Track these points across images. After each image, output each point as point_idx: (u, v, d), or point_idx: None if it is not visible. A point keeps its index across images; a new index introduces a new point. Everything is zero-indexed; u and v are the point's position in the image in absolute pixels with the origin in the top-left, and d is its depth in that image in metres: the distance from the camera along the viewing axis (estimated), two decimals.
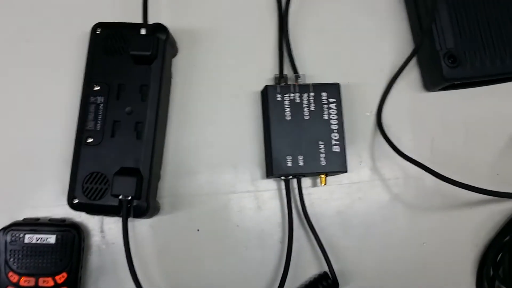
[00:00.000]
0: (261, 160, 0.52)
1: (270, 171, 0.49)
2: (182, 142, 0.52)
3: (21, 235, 0.45)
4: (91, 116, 0.47)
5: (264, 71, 0.54)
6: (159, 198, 0.50)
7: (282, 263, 0.49)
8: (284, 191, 0.51)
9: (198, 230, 0.50)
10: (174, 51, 0.53)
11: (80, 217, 0.49)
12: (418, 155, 0.50)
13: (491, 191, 0.45)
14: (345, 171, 0.49)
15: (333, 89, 0.50)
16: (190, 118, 0.52)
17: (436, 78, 0.51)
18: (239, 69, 0.54)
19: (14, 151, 0.51)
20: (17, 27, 0.54)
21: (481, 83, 0.53)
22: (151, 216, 0.49)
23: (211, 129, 0.52)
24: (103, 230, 0.50)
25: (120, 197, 0.44)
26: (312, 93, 0.50)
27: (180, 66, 0.53)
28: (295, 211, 0.51)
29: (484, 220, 0.52)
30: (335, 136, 0.49)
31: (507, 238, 0.51)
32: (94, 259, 0.49)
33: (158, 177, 0.50)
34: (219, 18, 0.55)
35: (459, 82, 0.51)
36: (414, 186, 0.52)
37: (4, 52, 0.53)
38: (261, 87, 0.52)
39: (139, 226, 0.50)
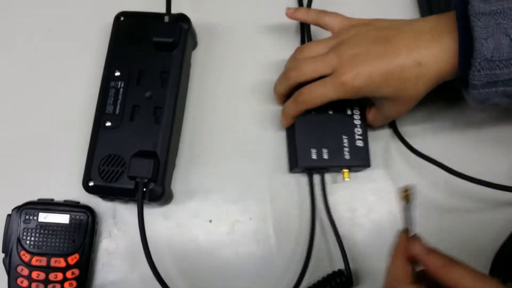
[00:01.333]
0: (279, 154, 0.53)
1: (295, 163, 0.50)
2: (198, 134, 0.53)
3: (35, 214, 0.45)
4: (110, 100, 0.48)
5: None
6: (173, 186, 0.51)
7: (297, 258, 0.50)
8: (302, 187, 0.52)
9: (210, 221, 0.51)
10: (194, 43, 0.55)
11: (94, 203, 0.50)
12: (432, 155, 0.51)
13: (505, 186, 0.47)
14: (368, 166, 0.50)
15: None
16: (206, 110, 0.54)
17: None
18: (257, 64, 0.55)
19: (32, 134, 0.52)
20: (40, 17, 0.56)
21: None
22: (165, 202, 0.50)
23: (227, 122, 0.53)
24: (115, 216, 0.50)
25: (137, 179, 0.45)
26: None
27: (199, 59, 0.55)
28: (310, 206, 0.51)
29: (500, 221, 0.52)
30: (358, 131, 0.50)
31: None
32: (105, 244, 0.49)
33: (173, 165, 0.51)
34: (239, 14, 0.57)
35: None
36: (429, 185, 0.53)
37: (28, 40, 0.55)
38: (271, 77, 0.53)
39: (151, 215, 0.50)
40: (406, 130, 0.53)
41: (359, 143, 0.50)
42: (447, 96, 0.55)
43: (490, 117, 0.54)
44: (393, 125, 0.53)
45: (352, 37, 0.45)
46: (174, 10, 0.52)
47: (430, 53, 0.42)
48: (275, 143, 0.53)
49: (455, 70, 0.42)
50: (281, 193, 0.52)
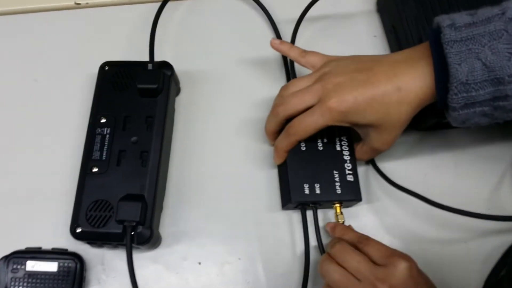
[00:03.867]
0: (268, 192, 0.54)
1: (288, 199, 0.51)
2: (184, 175, 0.55)
3: (23, 262, 0.46)
4: (97, 146, 0.50)
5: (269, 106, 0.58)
6: (161, 229, 0.52)
7: None
8: (292, 225, 0.53)
9: (199, 263, 0.51)
10: (178, 89, 0.57)
11: (82, 250, 0.50)
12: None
13: (485, 215, 0.49)
14: (360, 200, 0.51)
15: None
16: (192, 153, 0.56)
17: None
18: (242, 104, 0.58)
19: (18, 182, 0.53)
20: (26, 68, 0.59)
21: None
22: (153, 246, 0.50)
23: (214, 163, 0.55)
24: (104, 262, 0.51)
25: (125, 223, 0.46)
26: None
27: (182, 104, 0.57)
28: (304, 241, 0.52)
29: (485, 250, 0.54)
30: (348, 166, 0.52)
31: (503, 272, 0.53)
32: None
33: (160, 207, 0.52)
34: (220, 58, 0.60)
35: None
36: (411, 218, 0.55)
37: (14, 91, 0.58)
38: (259, 115, 0.56)
39: (140, 260, 0.51)
40: (386, 166, 0.56)
41: (350, 178, 0.51)
42: (423, 131, 0.58)
43: (466, 145, 0.57)
44: (371, 161, 0.56)
45: (334, 68, 0.48)
46: (157, 58, 0.55)
47: (408, 78, 0.44)
48: (263, 182, 0.55)
49: (434, 94, 0.44)
50: (271, 231, 0.53)
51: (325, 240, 0.52)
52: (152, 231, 0.47)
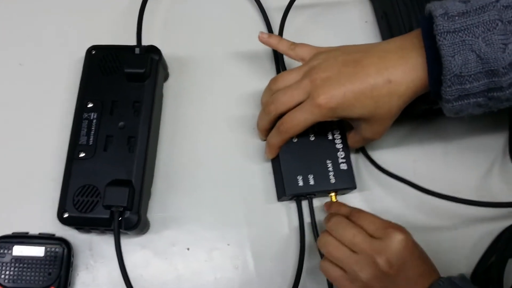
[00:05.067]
0: (260, 183, 0.55)
1: (282, 192, 0.52)
2: (173, 162, 0.55)
3: (10, 247, 0.47)
4: (84, 131, 0.50)
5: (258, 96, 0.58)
6: (149, 215, 0.52)
7: (278, 280, 0.52)
8: (289, 213, 0.54)
9: (188, 249, 0.52)
10: (166, 74, 0.57)
11: (70, 235, 0.51)
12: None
13: (475, 201, 0.49)
14: (355, 187, 0.52)
15: None
16: (181, 139, 0.56)
17: None
18: (231, 93, 0.58)
19: (5, 167, 0.54)
20: (12, 52, 0.59)
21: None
22: (141, 231, 0.51)
23: (202, 150, 0.56)
24: (92, 248, 0.51)
25: (112, 208, 0.47)
26: None
27: (171, 89, 0.58)
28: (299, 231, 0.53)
29: (474, 237, 0.55)
30: (341, 155, 0.52)
31: (492, 259, 0.54)
32: (82, 276, 0.50)
33: (149, 194, 0.52)
34: (210, 44, 0.60)
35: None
36: (401, 204, 0.55)
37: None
38: (254, 112, 0.56)
39: (128, 245, 0.51)
40: (376, 154, 0.56)
41: (343, 166, 0.52)
42: (413, 119, 0.58)
43: (456, 133, 0.58)
44: (362, 149, 0.56)
45: (322, 62, 0.48)
46: (144, 43, 0.55)
47: (399, 71, 0.44)
48: (257, 173, 0.56)
49: (425, 85, 0.44)
50: (262, 220, 0.54)
51: (320, 230, 0.52)
52: (140, 216, 0.48)
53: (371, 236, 0.45)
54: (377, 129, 0.48)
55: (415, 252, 0.45)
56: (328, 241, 0.46)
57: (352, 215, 0.48)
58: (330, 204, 0.52)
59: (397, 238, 0.44)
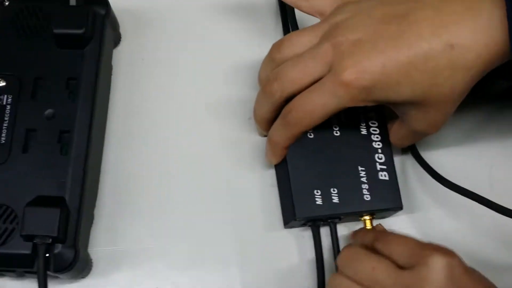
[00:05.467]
0: (258, 202, 0.55)
1: (291, 214, 0.52)
2: (128, 170, 0.55)
3: None
4: None
5: (244, 67, 0.58)
6: (91, 250, 0.52)
7: None
8: (299, 244, 0.54)
9: None
10: (116, 37, 0.57)
11: None
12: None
13: None
14: (400, 208, 0.52)
15: None
16: (139, 136, 0.56)
17: None
18: (216, 66, 0.58)
19: None
20: None
21: None
22: (79, 274, 0.51)
23: (171, 152, 0.56)
24: None
25: (35, 239, 0.46)
26: None
27: (124, 61, 0.58)
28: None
29: None
30: (381, 158, 0.52)
31: None
32: None
33: (90, 218, 0.52)
34: None
35: None
36: (472, 231, 0.55)
37: None
38: (249, 93, 0.56)
39: None
40: (433, 156, 0.56)
41: (383, 175, 0.52)
42: (488, 103, 0.58)
43: None
44: (412, 148, 0.56)
45: (350, 18, 0.47)
46: None
47: (466, 30, 0.44)
48: (253, 186, 0.56)
49: (505, 52, 0.44)
50: (262, 256, 0.54)
51: None
52: (77, 251, 0.47)
53: (401, 266, 0.45)
54: (433, 117, 0.48)
55: (466, 282, 0.44)
56: (339, 284, 0.47)
57: (376, 239, 0.48)
58: (354, 234, 0.52)
59: (437, 265, 0.43)
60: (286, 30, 0.59)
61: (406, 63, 0.44)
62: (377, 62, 0.44)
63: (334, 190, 0.51)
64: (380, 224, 0.53)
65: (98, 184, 0.54)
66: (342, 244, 0.53)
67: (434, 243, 0.45)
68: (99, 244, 0.53)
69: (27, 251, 0.47)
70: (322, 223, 0.53)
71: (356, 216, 0.52)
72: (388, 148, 0.53)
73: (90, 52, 0.52)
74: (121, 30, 0.58)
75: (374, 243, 0.48)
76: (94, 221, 0.53)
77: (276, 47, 0.50)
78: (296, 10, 0.58)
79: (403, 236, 0.47)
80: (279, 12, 0.60)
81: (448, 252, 0.44)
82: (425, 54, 0.44)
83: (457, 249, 0.47)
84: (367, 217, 0.52)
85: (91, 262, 0.52)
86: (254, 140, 0.56)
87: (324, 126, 0.50)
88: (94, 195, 0.53)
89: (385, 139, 0.53)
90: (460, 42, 0.43)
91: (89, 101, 0.51)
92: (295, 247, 0.54)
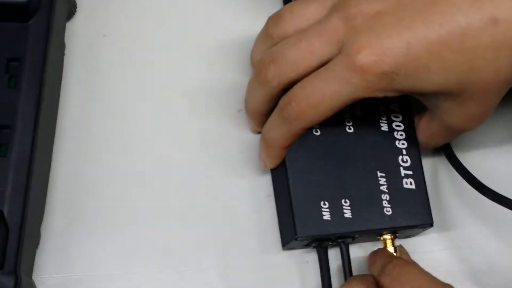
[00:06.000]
0: (247, 213, 0.55)
1: (291, 233, 0.51)
2: (84, 176, 0.55)
3: None
4: None
5: (233, 45, 0.58)
6: (37, 277, 0.52)
7: None
8: (301, 271, 0.54)
9: None
10: (70, 8, 0.57)
11: None
12: None
13: None
14: (430, 225, 0.52)
15: None
16: (98, 131, 0.56)
17: None
18: (196, 47, 0.59)
19: None
20: None
21: None
22: None
23: (141, 152, 0.56)
24: None
25: None
26: None
27: (79, 35, 0.58)
28: None
29: None
30: (406, 162, 0.52)
31: None
32: None
33: (36, 236, 0.52)
34: None
35: None
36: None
37: None
38: (240, 79, 0.56)
39: None
40: (472, 159, 0.57)
41: (409, 184, 0.52)
42: None
43: None
44: (445, 148, 0.56)
45: None
46: None
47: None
48: (242, 197, 0.56)
49: None
50: (250, 282, 0.54)
51: None
52: (19, 279, 0.47)
53: None
54: (473, 111, 0.48)
55: None
56: None
57: (383, 274, 0.48)
58: (377, 256, 0.52)
59: None
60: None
61: (437, 42, 0.44)
62: (401, 41, 0.44)
63: (346, 202, 0.51)
64: (401, 245, 0.53)
65: (46, 194, 0.54)
66: (355, 271, 0.53)
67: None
68: (47, 270, 0.52)
69: None
70: (330, 243, 0.53)
71: (374, 235, 0.52)
72: (415, 149, 0.53)
73: (36, 26, 0.51)
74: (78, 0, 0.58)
75: (380, 277, 0.48)
76: (41, 241, 0.52)
77: (273, 20, 0.51)
78: None
79: (417, 272, 0.47)
80: None
81: None
82: (462, 31, 0.44)
83: (503, 279, 0.48)
84: (387, 236, 0.52)
85: None
86: (245, 138, 0.56)
87: (333, 120, 0.50)
88: (41, 208, 0.53)
89: (411, 137, 0.53)
90: (507, 16, 0.43)
91: (35, 88, 0.50)
92: (297, 274, 0.54)
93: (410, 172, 0.52)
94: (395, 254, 0.52)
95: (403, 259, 0.50)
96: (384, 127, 0.52)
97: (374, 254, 0.51)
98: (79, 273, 0.53)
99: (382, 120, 0.53)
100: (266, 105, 0.51)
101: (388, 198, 0.51)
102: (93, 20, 0.58)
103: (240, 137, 0.56)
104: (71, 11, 0.57)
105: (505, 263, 0.54)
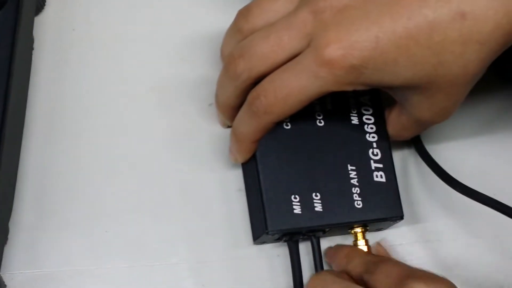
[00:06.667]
0: (216, 208, 0.55)
1: (262, 227, 0.51)
2: (53, 170, 0.55)
3: None
4: None
5: (204, 39, 0.58)
6: (5, 274, 0.52)
7: None
8: (271, 265, 0.54)
9: None
10: (38, 2, 0.57)
11: None
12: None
13: None
14: (400, 218, 0.52)
15: None
16: (68, 127, 0.56)
17: None
18: (166, 40, 0.59)
19: None
20: None
21: None
22: None
23: (111, 147, 0.56)
24: None
25: None
26: None
27: (48, 29, 0.57)
28: None
29: None
30: (376, 154, 0.52)
31: None
32: None
33: (4, 232, 0.52)
34: None
35: None
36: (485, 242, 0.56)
37: None
38: (210, 73, 0.56)
39: None
40: (441, 151, 0.57)
41: (379, 177, 0.52)
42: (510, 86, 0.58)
43: None
44: (415, 141, 0.56)
45: None
46: None
47: None
48: (211, 185, 0.56)
49: None
50: (219, 278, 0.54)
51: None
52: None
53: None
54: (441, 104, 0.48)
55: None
56: None
57: (367, 270, 0.48)
58: (334, 253, 0.53)
59: None
60: None
61: (405, 36, 0.44)
62: (369, 35, 0.44)
63: (316, 196, 0.51)
64: (379, 243, 0.54)
65: (14, 189, 0.53)
66: (326, 264, 0.53)
67: (425, 270, 0.46)
68: (16, 266, 0.52)
69: None
70: (301, 237, 0.53)
71: (345, 228, 0.52)
72: (386, 142, 0.52)
73: (2, 20, 0.51)
74: None
75: (364, 275, 0.48)
76: (9, 236, 0.52)
77: (243, 14, 0.50)
78: None
79: (394, 263, 0.48)
80: None
81: (440, 280, 0.45)
82: (429, 25, 0.44)
83: (472, 271, 0.48)
84: (358, 230, 0.52)
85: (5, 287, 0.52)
86: (215, 132, 0.56)
87: (304, 114, 0.50)
88: (9, 203, 0.52)
89: (381, 130, 0.53)
90: (474, 10, 0.43)
91: (2, 83, 0.50)
92: (267, 268, 0.54)
93: (381, 165, 0.52)
94: (365, 246, 0.52)
95: (380, 256, 0.50)
96: (355, 120, 0.52)
97: (353, 250, 0.52)
98: (49, 269, 0.52)
99: (352, 113, 0.52)
100: (236, 99, 0.51)
101: (358, 191, 0.51)
102: (62, 14, 0.58)
103: (211, 131, 0.56)
104: (39, 5, 0.57)
105: (475, 255, 0.54)
